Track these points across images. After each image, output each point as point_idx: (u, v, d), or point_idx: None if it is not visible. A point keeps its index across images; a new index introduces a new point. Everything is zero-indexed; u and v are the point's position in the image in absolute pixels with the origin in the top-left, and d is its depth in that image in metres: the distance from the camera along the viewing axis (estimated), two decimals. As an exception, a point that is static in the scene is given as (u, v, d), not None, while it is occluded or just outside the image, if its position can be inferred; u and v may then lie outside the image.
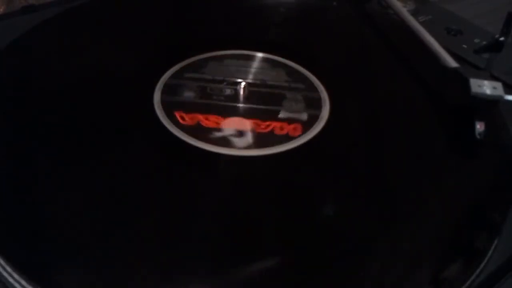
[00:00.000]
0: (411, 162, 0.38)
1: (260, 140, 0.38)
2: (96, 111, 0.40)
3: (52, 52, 0.45)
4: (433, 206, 0.35)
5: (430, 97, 0.44)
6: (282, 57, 0.46)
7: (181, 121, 0.39)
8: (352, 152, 0.39)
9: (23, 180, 0.34)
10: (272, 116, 0.40)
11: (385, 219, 0.34)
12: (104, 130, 0.39)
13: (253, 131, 0.39)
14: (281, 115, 0.40)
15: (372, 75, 0.46)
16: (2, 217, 0.32)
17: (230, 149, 0.37)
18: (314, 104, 0.41)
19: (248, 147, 0.37)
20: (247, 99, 0.42)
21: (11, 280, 0.29)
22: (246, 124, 0.39)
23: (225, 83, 0.43)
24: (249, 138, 0.38)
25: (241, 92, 0.42)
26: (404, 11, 0.49)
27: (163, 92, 0.42)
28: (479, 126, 0.38)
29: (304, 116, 0.40)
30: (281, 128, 0.39)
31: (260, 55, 0.46)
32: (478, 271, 0.31)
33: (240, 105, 0.41)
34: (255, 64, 0.46)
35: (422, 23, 0.47)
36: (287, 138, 0.38)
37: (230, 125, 0.39)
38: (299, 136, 0.38)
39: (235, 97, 0.42)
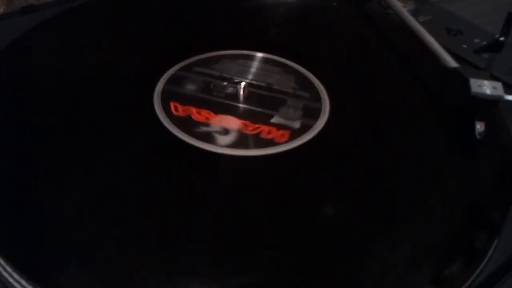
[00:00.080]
0: (411, 162, 0.38)
1: (243, 141, 0.38)
2: (96, 111, 0.40)
3: (52, 52, 0.45)
4: (433, 206, 0.35)
5: (430, 97, 0.44)
6: (295, 62, 0.46)
7: (174, 111, 0.40)
8: (349, 154, 0.39)
9: (23, 180, 0.34)
10: (265, 119, 0.40)
11: (385, 219, 0.34)
12: (104, 130, 0.39)
13: (239, 131, 0.39)
14: (274, 120, 0.40)
15: (372, 75, 0.46)
16: (2, 217, 0.32)
17: (209, 145, 0.37)
18: (312, 114, 0.40)
19: (229, 146, 0.37)
20: (246, 99, 0.42)
21: (11, 280, 0.29)
22: (235, 124, 0.39)
23: (229, 82, 0.43)
24: (232, 137, 0.38)
25: (241, 92, 0.42)
26: (404, 11, 0.49)
27: (168, 82, 0.42)
28: (479, 126, 0.38)
29: (296, 124, 0.39)
30: (269, 133, 0.38)
31: (273, 58, 0.46)
32: (478, 271, 0.31)
33: (237, 104, 0.41)
34: (266, 67, 0.45)
35: (422, 23, 0.47)
36: (271, 143, 0.38)
37: (219, 122, 0.39)
38: (284, 143, 0.38)
39: (235, 96, 0.42)
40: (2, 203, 0.32)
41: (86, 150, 0.37)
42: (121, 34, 0.49)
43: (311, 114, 0.40)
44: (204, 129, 0.38)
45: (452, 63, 0.41)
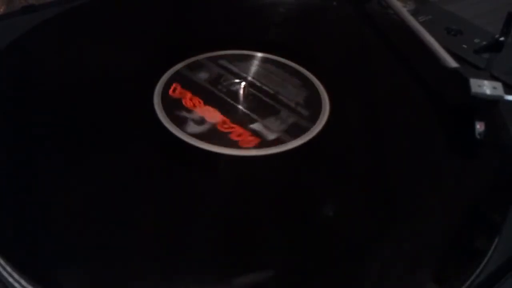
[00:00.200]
0: (411, 162, 0.38)
1: (209, 135, 0.38)
2: (95, 111, 0.40)
3: (52, 52, 0.45)
4: (433, 206, 0.35)
5: (430, 97, 0.44)
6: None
7: (171, 92, 0.41)
8: (349, 154, 0.39)
9: (23, 180, 0.34)
10: (245, 122, 0.39)
11: (385, 219, 0.34)
12: (104, 130, 0.39)
13: (213, 125, 0.38)
14: (254, 125, 0.39)
15: (372, 75, 0.46)
16: (2, 217, 0.32)
17: (177, 130, 0.38)
18: (296, 132, 0.39)
19: (193, 135, 0.37)
20: (244, 99, 0.42)
21: (11, 280, 0.29)
22: (215, 118, 0.39)
23: (240, 80, 0.43)
24: (203, 129, 0.38)
25: (241, 92, 0.42)
26: (404, 11, 0.49)
27: (188, 66, 0.44)
28: (479, 126, 0.38)
29: (271, 136, 0.38)
30: (239, 135, 0.38)
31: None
32: (478, 271, 0.31)
33: (231, 101, 0.41)
34: (286, 77, 0.44)
35: (422, 23, 0.47)
36: (234, 145, 0.37)
37: (201, 111, 0.40)
38: (246, 148, 0.37)
39: (235, 94, 0.42)
40: (2, 203, 0.32)
41: (86, 150, 0.37)
42: (121, 34, 0.49)
43: (295, 132, 0.39)
44: (184, 114, 0.39)
45: (452, 63, 0.41)
